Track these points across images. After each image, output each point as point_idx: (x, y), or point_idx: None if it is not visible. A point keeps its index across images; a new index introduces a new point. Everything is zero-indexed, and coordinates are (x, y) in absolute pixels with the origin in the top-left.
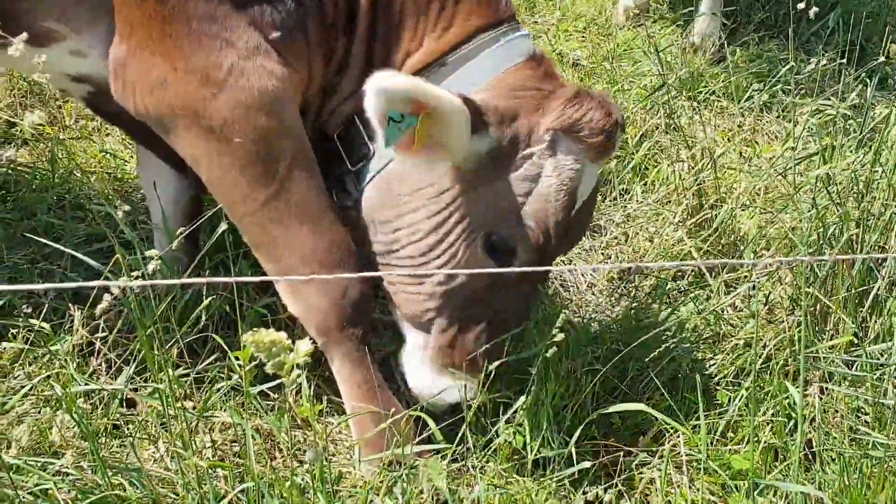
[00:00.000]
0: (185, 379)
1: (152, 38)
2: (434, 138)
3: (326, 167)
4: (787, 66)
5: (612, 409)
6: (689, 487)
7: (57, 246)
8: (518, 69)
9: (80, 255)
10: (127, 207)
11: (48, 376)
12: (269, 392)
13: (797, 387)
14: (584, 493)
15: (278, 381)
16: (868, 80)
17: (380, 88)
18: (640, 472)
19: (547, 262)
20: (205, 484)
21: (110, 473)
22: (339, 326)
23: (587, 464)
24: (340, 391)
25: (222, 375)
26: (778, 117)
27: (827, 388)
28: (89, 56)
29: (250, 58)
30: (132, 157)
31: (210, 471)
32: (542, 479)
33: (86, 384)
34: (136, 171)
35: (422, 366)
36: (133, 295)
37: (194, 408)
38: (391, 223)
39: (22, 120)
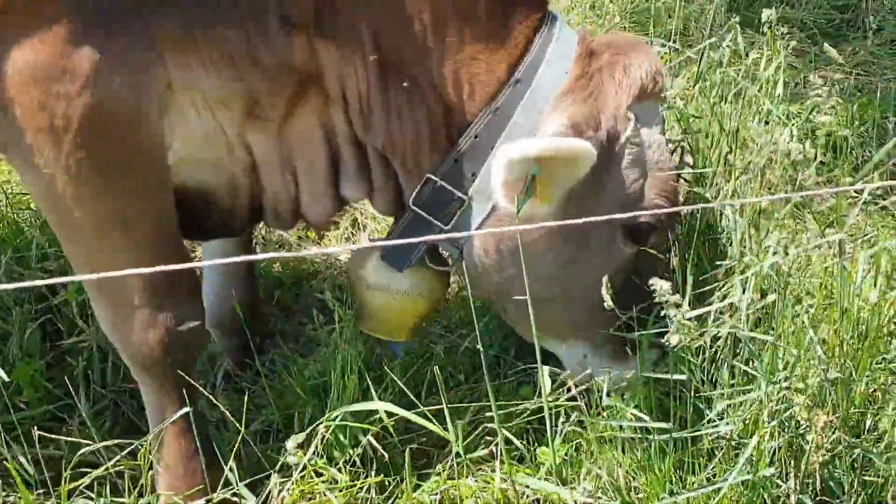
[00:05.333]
0: None
1: None
2: (557, 181)
3: (412, 236)
4: None
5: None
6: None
7: None
8: (576, 60)
9: None
10: None
11: None
12: None
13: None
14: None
15: None
16: None
17: (509, 161)
18: None
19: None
20: None
21: None
22: (164, 362)
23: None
24: (148, 419)
25: None
26: None
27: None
28: None
29: None
30: None
31: None
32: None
33: None
34: None
35: (601, 366)
36: None
37: None
38: (512, 268)
39: None
